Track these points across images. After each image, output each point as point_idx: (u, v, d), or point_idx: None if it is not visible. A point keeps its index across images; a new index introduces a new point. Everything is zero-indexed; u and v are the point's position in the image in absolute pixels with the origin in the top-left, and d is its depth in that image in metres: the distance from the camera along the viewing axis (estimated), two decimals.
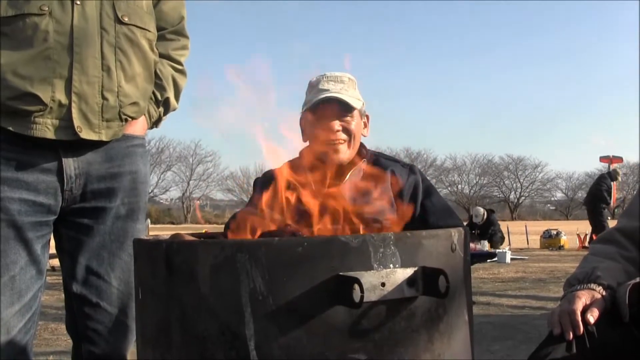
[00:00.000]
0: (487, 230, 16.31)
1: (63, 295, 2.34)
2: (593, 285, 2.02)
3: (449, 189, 71.10)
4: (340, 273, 1.22)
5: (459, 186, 72.27)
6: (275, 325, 1.21)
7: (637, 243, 2.21)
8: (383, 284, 1.25)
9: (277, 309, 1.21)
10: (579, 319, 1.90)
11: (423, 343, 1.31)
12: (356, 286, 1.19)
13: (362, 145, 2.63)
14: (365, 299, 1.19)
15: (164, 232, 1.64)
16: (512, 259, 13.59)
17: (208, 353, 1.24)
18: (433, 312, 1.33)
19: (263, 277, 1.21)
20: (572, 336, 1.89)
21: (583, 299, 1.96)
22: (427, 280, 1.29)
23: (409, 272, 1.28)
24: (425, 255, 1.32)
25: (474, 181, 72.87)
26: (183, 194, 64.25)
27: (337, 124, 2.48)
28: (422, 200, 2.52)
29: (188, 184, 64.30)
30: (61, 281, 2.33)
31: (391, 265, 1.27)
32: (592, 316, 1.90)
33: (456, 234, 1.41)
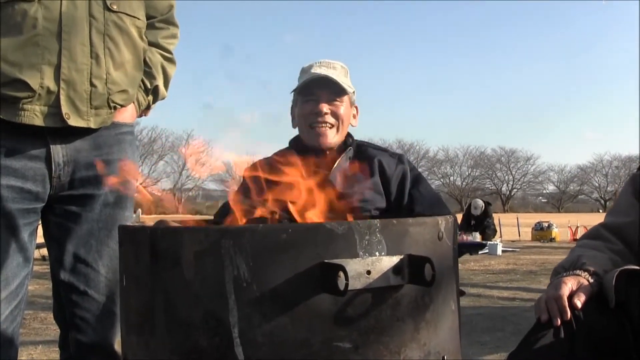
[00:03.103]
0: (483, 221, 16.34)
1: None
2: (579, 272, 2.02)
3: (442, 180, 71.25)
4: (325, 260, 1.21)
5: (452, 178, 72.46)
6: (260, 312, 1.20)
7: (623, 238, 2.21)
8: (368, 272, 1.24)
9: (261, 295, 1.20)
10: (566, 304, 1.90)
11: (409, 332, 1.30)
12: (341, 274, 1.18)
13: (349, 135, 2.62)
14: (350, 287, 1.18)
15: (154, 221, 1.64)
16: (503, 251, 13.66)
17: (192, 339, 1.23)
18: (419, 300, 1.32)
19: (247, 263, 1.20)
20: (559, 322, 1.89)
21: (569, 284, 1.96)
22: (413, 268, 1.28)
23: (394, 260, 1.27)
24: (411, 243, 1.31)
25: (467, 173, 73.05)
26: (175, 185, 64.14)
27: (325, 107, 2.48)
28: (410, 190, 2.51)
29: (180, 174, 64.19)
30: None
31: (377, 253, 1.26)
32: (579, 301, 1.90)
33: (443, 222, 1.41)
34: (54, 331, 5.26)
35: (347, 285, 1.17)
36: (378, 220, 1.29)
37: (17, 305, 2.11)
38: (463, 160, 72.55)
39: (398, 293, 1.28)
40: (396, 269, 1.27)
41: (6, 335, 2.09)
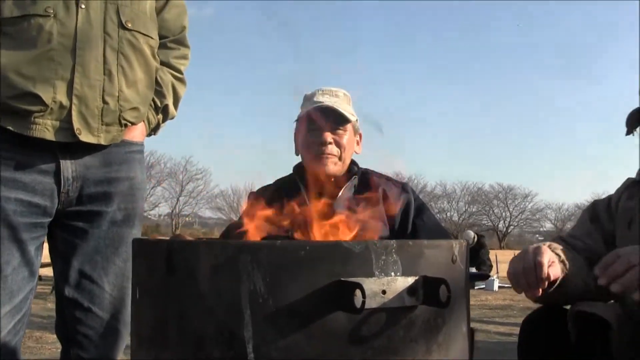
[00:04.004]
0: (478, 253, 16.28)
1: (48, 304, 2.32)
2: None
3: (439, 215, 71.10)
4: (342, 278, 1.22)
5: (448, 213, 72.32)
6: (275, 328, 1.20)
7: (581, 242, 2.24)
8: (384, 292, 1.25)
9: (277, 311, 1.20)
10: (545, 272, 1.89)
11: (421, 353, 1.30)
12: (357, 292, 1.18)
13: (353, 162, 2.63)
14: (366, 306, 1.19)
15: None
16: (500, 287, 13.59)
17: (204, 352, 1.23)
18: (432, 322, 1.32)
19: (264, 279, 1.21)
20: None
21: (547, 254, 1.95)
22: (427, 289, 1.28)
23: (410, 280, 1.28)
24: (426, 264, 1.32)
25: (464, 209, 72.96)
26: (172, 211, 63.93)
27: (329, 136, 2.48)
28: (414, 218, 2.51)
29: (177, 200, 63.98)
30: (47, 290, 2.33)
31: (392, 273, 1.27)
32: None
33: (457, 246, 1.41)
34: (49, 350, 5.24)
35: (363, 303, 1.18)
36: (394, 240, 1.29)
37: (20, 319, 2.10)
38: (460, 196, 72.49)
39: (412, 314, 1.29)
40: (411, 290, 1.28)
41: (8, 349, 2.08)
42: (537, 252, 1.93)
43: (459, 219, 71.78)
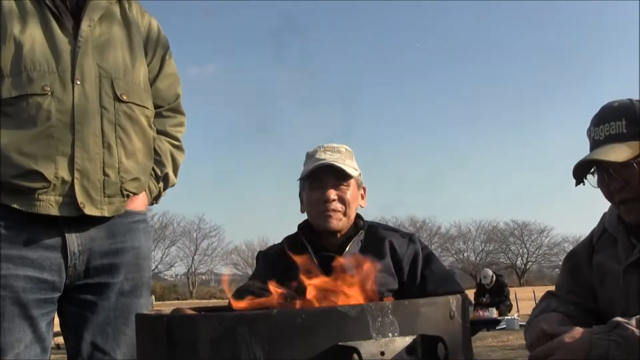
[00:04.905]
0: (498, 293, 16.13)
1: None
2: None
3: (455, 257, 70.59)
4: (340, 343, 1.23)
5: (465, 254, 71.74)
6: None
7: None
8: (382, 353, 1.26)
9: None
10: None
11: None
12: (355, 356, 1.20)
13: (358, 216, 2.65)
14: None
15: (170, 308, 1.64)
16: (521, 326, 13.43)
17: None
18: None
19: (263, 348, 1.22)
20: None
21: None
22: (426, 347, 1.30)
23: (407, 340, 1.29)
24: (423, 323, 1.33)
25: (480, 248, 72.37)
26: (188, 270, 63.79)
27: (332, 193, 2.51)
28: (422, 269, 2.52)
29: (193, 259, 63.82)
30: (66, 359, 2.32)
31: (390, 334, 1.28)
32: None
33: (454, 301, 1.43)
34: None
35: None
36: (390, 302, 1.31)
37: None
38: (476, 235, 71.96)
39: None
40: (409, 349, 1.29)
41: None
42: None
43: (475, 258, 71.19)
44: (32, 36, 2.12)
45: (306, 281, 1.67)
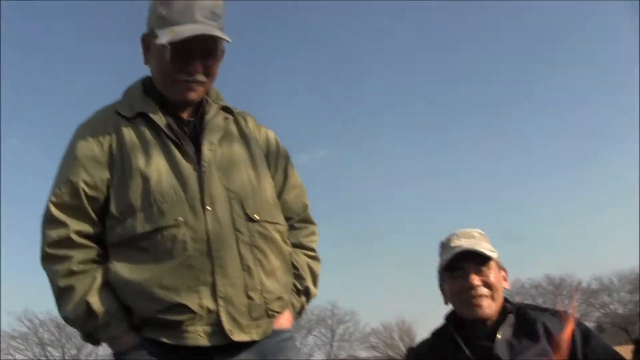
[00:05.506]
0: None
1: None
2: None
3: (601, 311, 67.23)
4: None
5: (611, 307, 68.17)
6: None
7: None
8: None
9: None
10: None
11: None
12: None
13: (506, 299, 2.56)
14: None
15: None
16: None
17: None
18: None
19: None
20: None
21: None
22: None
23: None
24: None
25: (627, 299, 68.58)
26: (328, 357, 63.36)
27: (476, 279, 2.45)
28: (583, 348, 2.40)
29: (331, 345, 63.44)
30: None
31: None
32: None
33: None
34: None
35: None
36: None
37: None
38: (620, 286, 68.38)
39: None
40: None
41: None
42: None
43: (624, 310, 67.50)
44: (158, 168, 2.15)
45: None
